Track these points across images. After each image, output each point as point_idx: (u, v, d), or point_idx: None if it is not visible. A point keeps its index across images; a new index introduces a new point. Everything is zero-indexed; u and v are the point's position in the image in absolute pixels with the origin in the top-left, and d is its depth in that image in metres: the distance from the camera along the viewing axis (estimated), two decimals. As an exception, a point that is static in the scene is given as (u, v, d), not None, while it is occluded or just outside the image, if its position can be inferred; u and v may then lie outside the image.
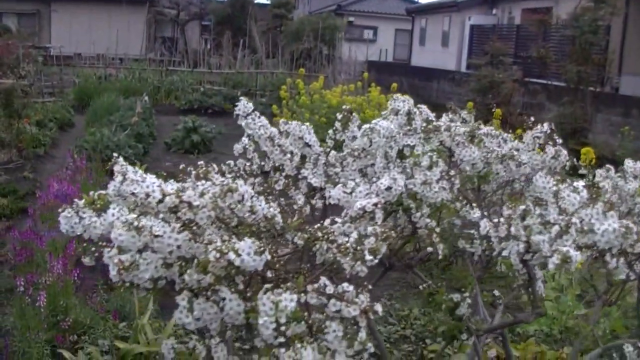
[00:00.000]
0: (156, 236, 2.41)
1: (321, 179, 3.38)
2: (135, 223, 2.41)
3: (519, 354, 5.06)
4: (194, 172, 2.82)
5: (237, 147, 3.49)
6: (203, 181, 2.71)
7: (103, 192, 2.69)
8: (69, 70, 23.75)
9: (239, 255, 2.33)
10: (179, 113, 21.04)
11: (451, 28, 29.59)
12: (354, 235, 2.52)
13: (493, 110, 13.44)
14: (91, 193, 2.71)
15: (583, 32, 17.01)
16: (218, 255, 2.31)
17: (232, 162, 3.61)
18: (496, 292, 3.30)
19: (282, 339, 2.27)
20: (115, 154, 2.73)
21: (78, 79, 22.24)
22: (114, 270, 2.51)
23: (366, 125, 3.24)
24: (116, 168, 2.62)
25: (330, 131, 3.49)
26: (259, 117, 3.43)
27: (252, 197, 2.62)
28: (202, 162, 2.99)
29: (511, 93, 18.08)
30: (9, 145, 13.64)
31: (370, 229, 2.51)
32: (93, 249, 2.73)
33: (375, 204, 2.70)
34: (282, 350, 2.28)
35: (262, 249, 2.35)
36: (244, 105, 3.42)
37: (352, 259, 2.45)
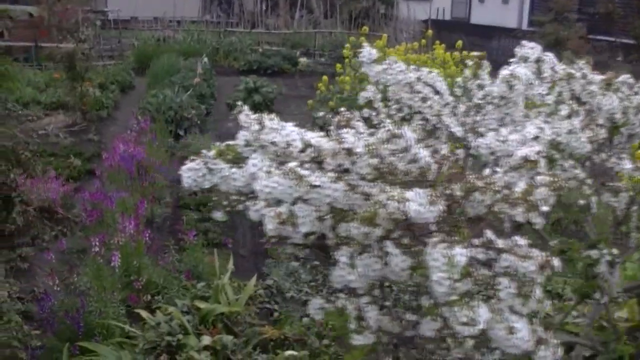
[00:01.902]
0: (314, 186, 2.25)
1: (459, 128, 3.17)
2: (296, 172, 2.24)
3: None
4: (335, 120, 2.66)
5: (364, 95, 3.31)
6: (346, 129, 2.53)
7: (231, 142, 2.57)
8: (127, 33, 23.81)
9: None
10: (238, 74, 20.95)
11: (512, -16, 28.84)
12: (521, 185, 2.32)
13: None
14: (217, 143, 2.60)
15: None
16: (396, 205, 2.13)
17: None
18: (615, 251, 3.12)
19: (454, 297, 2.12)
20: (239, 102, 2.61)
21: (137, 41, 22.27)
22: (271, 223, 2.35)
23: (505, 72, 3.04)
24: (242, 117, 2.50)
25: (459, 79, 3.30)
26: (396, 62, 3.23)
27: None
28: (344, 113, 2.77)
29: (577, 50, 17.54)
30: (72, 108, 13.72)
31: (539, 178, 2.33)
32: (225, 202, 2.59)
33: (538, 152, 2.52)
34: (455, 309, 2.12)
35: (434, 198, 2.17)
36: (369, 52, 3.24)
37: (526, 209, 2.26)
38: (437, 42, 13.30)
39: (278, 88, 16.75)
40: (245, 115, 2.50)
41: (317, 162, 2.35)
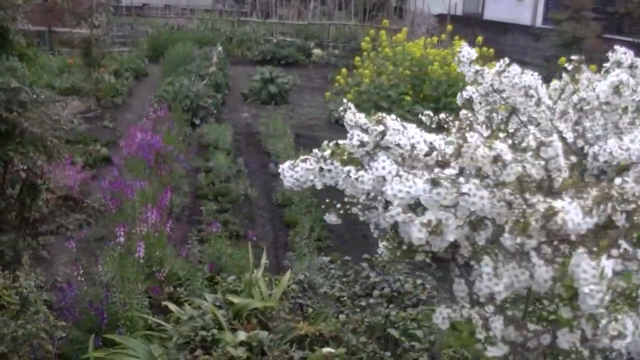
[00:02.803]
0: (462, 193, 2.14)
1: (571, 135, 3.01)
2: (451, 179, 2.12)
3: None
4: (457, 123, 2.53)
5: (464, 95, 3.15)
6: (471, 133, 2.40)
7: (341, 141, 2.45)
8: (140, 20, 23.68)
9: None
10: (251, 64, 20.84)
11: (527, -20, 28.63)
12: None
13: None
14: (325, 142, 2.49)
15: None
16: (559, 217, 2.02)
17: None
18: None
19: (602, 310, 2.03)
20: (344, 100, 2.50)
21: (150, 29, 22.15)
22: (420, 232, 2.23)
23: (613, 78, 2.90)
24: (348, 116, 2.38)
25: (557, 83, 3.16)
26: (512, 65, 3.06)
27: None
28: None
29: (594, 49, 17.38)
30: (87, 94, 13.63)
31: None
32: (338, 205, 2.49)
33: None
34: (604, 321, 2.03)
35: (589, 209, 2.07)
36: (468, 52, 3.10)
37: None
38: (457, 37, 13.16)
39: (293, 79, 16.63)
40: (353, 113, 2.38)
41: (441, 166, 2.24)
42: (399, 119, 2.43)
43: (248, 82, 17.26)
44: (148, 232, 6.55)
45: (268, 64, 19.45)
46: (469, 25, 30.45)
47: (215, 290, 5.96)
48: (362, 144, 2.34)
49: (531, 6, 27.81)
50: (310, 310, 4.50)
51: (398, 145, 2.28)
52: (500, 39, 26.27)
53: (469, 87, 3.15)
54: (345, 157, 2.37)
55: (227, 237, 7.22)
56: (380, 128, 2.33)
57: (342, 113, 2.58)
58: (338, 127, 13.77)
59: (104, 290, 5.69)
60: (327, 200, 2.64)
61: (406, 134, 2.28)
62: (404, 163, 2.30)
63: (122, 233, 6.03)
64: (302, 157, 2.45)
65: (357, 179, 2.36)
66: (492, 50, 12.55)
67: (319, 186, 2.42)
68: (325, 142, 2.50)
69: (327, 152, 2.39)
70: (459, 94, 3.19)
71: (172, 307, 4.85)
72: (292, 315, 4.38)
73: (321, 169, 2.40)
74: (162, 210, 7.01)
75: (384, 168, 2.27)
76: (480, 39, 12.69)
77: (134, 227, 6.65)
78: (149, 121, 11.29)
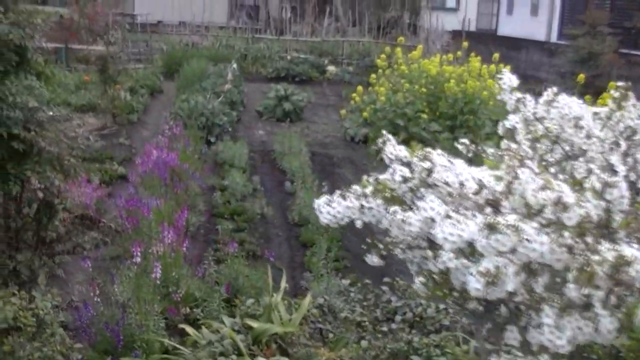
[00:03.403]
0: (523, 239, 2.03)
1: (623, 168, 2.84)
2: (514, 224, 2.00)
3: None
4: (506, 157, 2.39)
5: (506, 124, 2.98)
6: (522, 169, 2.27)
7: (381, 176, 2.36)
8: (154, 37, 23.74)
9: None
10: (265, 81, 20.83)
11: (541, -4, 28.57)
12: None
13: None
14: (364, 177, 2.41)
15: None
16: (634, 268, 1.92)
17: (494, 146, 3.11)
18: None
19: None
20: (383, 131, 2.43)
21: (165, 46, 22.20)
22: (478, 283, 2.11)
23: None
24: (388, 149, 2.28)
25: (602, 111, 3.01)
26: (560, 94, 2.89)
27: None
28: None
29: (611, 65, 17.29)
30: (103, 111, 13.64)
31: None
32: (381, 246, 2.40)
33: None
34: None
35: None
36: (509, 78, 2.97)
37: None
38: (473, 53, 13.10)
39: (307, 96, 16.60)
40: (392, 146, 2.28)
41: (492, 205, 2.14)
42: (444, 154, 2.34)
43: (262, 99, 17.24)
44: (165, 252, 6.49)
45: (282, 81, 19.43)
46: (483, 41, 30.42)
47: (233, 313, 5.89)
48: (405, 179, 2.24)
49: (546, 22, 27.73)
50: (330, 335, 4.42)
51: (446, 183, 2.17)
52: (514, 54, 26.21)
53: (511, 116, 3.02)
54: (387, 195, 2.28)
55: (243, 257, 7.14)
56: (427, 164, 2.23)
57: (381, 146, 2.49)
58: (353, 145, 13.74)
59: (120, 311, 5.63)
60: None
61: (454, 170, 2.18)
62: (452, 201, 2.19)
63: (138, 253, 5.96)
64: (339, 193, 2.36)
65: (403, 220, 2.24)
66: (508, 67, 12.45)
67: (359, 225, 2.33)
68: (365, 177, 2.41)
69: (369, 189, 2.30)
70: (500, 123, 3.06)
71: (189, 330, 4.78)
72: (312, 340, 4.29)
73: (362, 206, 2.29)
74: (179, 230, 6.95)
75: (432, 209, 2.16)
76: (496, 55, 12.61)
77: (150, 246, 6.59)
78: (164, 138, 11.26)
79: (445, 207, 2.15)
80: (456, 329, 4.59)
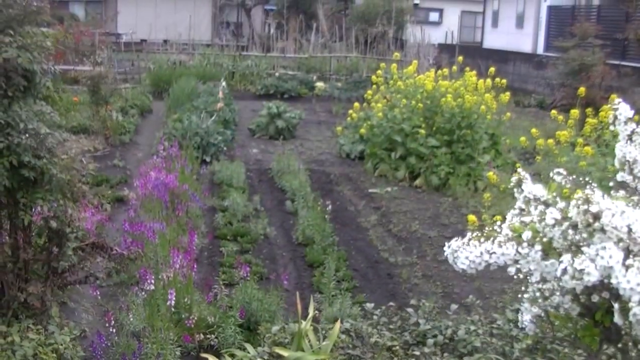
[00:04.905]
0: None
1: None
2: None
3: None
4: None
5: (627, 156, 2.76)
6: None
7: (526, 219, 2.20)
8: (141, 56, 23.61)
9: None
10: (255, 98, 20.77)
11: (526, 9, 28.74)
12: None
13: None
14: (508, 220, 2.24)
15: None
16: None
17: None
18: None
19: None
20: (519, 169, 2.27)
21: (152, 65, 22.07)
22: None
23: None
24: (527, 189, 2.11)
25: None
26: None
27: None
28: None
29: (602, 76, 17.33)
30: (95, 133, 13.46)
31: None
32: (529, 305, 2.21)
33: None
34: None
35: None
36: (625, 109, 2.81)
37: None
38: (468, 68, 13.05)
39: (299, 113, 16.51)
40: (531, 185, 2.11)
41: None
42: (607, 196, 2.19)
43: (253, 116, 17.14)
44: (175, 277, 6.33)
45: (271, 98, 19.37)
46: (469, 54, 30.51)
47: (249, 339, 5.73)
48: (557, 222, 2.10)
49: (532, 34, 27.89)
50: (362, 362, 4.28)
51: (615, 227, 2.02)
52: (501, 67, 26.29)
53: (627, 147, 2.85)
54: (545, 240, 2.12)
55: (254, 280, 6.99)
56: (595, 208, 2.07)
57: (516, 187, 2.33)
58: (349, 162, 13.64)
59: (134, 340, 5.47)
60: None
61: (624, 215, 2.03)
62: (622, 247, 2.05)
63: (151, 280, 5.80)
64: (471, 236, 2.20)
65: (581, 270, 2.07)
66: (504, 81, 12.41)
67: (512, 272, 2.14)
68: (509, 219, 2.26)
69: (528, 235, 2.14)
70: (616, 156, 2.91)
71: (211, 359, 4.61)
72: (345, 368, 4.16)
73: (518, 253, 2.12)
74: (190, 254, 6.79)
75: (611, 257, 2.00)
76: (492, 69, 12.55)
77: (157, 271, 6.43)
78: (160, 159, 11.10)
79: (622, 253, 2.01)
80: (487, 350, 4.47)
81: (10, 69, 4.89)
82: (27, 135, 4.90)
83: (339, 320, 4.46)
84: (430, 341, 4.40)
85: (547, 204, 2.20)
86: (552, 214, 2.13)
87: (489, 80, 12.15)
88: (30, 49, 4.98)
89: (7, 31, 4.86)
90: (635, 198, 2.13)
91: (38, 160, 4.94)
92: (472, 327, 4.62)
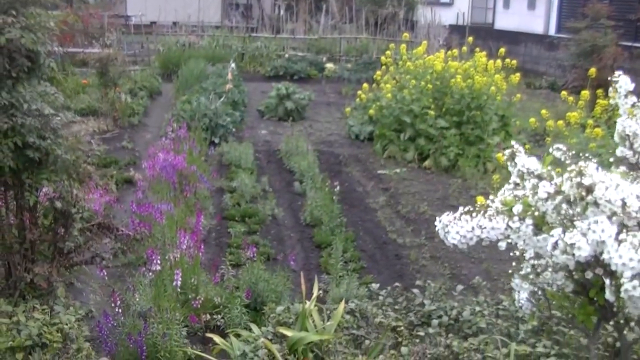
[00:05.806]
0: None
1: None
2: None
3: None
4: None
5: (626, 130, 2.72)
6: None
7: (519, 192, 2.18)
8: (150, 38, 23.55)
9: None
10: (264, 80, 20.71)
11: (538, -11, 28.45)
12: None
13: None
14: (500, 194, 2.23)
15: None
16: None
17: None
18: None
19: None
20: (513, 142, 2.26)
21: (161, 47, 22.01)
22: None
23: None
24: (520, 162, 2.06)
25: None
26: None
27: None
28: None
29: (614, 58, 17.17)
30: (104, 115, 13.46)
31: None
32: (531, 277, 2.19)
33: None
34: None
35: None
36: (625, 81, 2.79)
37: None
38: (478, 49, 12.95)
39: (308, 94, 16.45)
40: (525, 158, 2.08)
41: None
42: (601, 168, 2.16)
43: (262, 98, 17.11)
44: (182, 258, 6.33)
45: (281, 79, 19.32)
46: (480, 35, 30.31)
47: (255, 320, 5.74)
48: (550, 196, 2.07)
49: (543, 15, 27.62)
50: (366, 342, 4.28)
51: (608, 201, 1.99)
52: (512, 48, 26.11)
53: (627, 121, 2.81)
54: (537, 214, 2.09)
55: (261, 261, 6.99)
56: (587, 181, 2.04)
57: (509, 160, 2.31)
58: (358, 143, 13.59)
59: (140, 320, 5.48)
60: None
61: (618, 189, 2.00)
62: (615, 221, 2.02)
63: (158, 260, 5.81)
64: (463, 210, 2.18)
65: (572, 245, 2.03)
66: (514, 62, 12.32)
67: (503, 247, 2.12)
68: (502, 193, 2.24)
69: (519, 208, 2.12)
70: (616, 129, 2.88)
71: (218, 340, 4.61)
72: (348, 347, 4.15)
73: (509, 227, 2.09)
74: (197, 235, 6.79)
75: (603, 231, 1.97)
76: (502, 50, 12.46)
77: (164, 252, 6.44)
78: (169, 141, 11.10)
79: (615, 227, 1.97)
80: (493, 332, 4.46)
81: (14, 49, 4.86)
82: (31, 116, 4.89)
83: (343, 301, 4.46)
84: (435, 322, 4.38)
85: (540, 178, 2.17)
86: (545, 187, 2.10)
87: (499, 61, 12.06)
88: (34, 30, 4.95)
89: (10, 12, 4.83)
90: (634, 173, 2.10)
91: (43, 141, 4.93)
92: (478, 308, 4.61)
